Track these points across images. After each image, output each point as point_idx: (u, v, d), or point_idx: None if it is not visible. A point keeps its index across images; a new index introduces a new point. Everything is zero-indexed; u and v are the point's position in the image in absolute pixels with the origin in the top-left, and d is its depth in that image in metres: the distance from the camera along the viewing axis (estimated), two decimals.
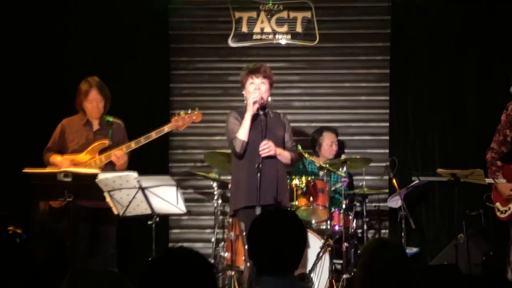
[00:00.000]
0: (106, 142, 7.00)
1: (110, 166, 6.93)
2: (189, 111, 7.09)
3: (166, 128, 7.03)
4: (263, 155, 6.37)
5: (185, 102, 8.57)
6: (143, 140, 6.96)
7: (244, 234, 6.34)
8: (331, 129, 8.53)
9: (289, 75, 8.90)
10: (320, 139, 8.43)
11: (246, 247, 6.40)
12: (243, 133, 6.47)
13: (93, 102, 7.06)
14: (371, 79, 8.93)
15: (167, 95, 8.91)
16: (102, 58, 8.51)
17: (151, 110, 8.69)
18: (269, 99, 6.70)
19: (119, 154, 6.89)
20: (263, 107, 6.55)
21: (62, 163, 6.91)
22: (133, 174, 6.25)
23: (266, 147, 6.40)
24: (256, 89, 6.54)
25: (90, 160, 6.95)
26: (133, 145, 6.97)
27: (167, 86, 8.94)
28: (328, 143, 8.39)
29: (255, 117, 6.52)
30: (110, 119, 7.17)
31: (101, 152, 6.97)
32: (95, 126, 7.15)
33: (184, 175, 8.79)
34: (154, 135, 6.98)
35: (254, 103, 6.47)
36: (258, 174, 6.21)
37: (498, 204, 6.57)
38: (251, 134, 6.50)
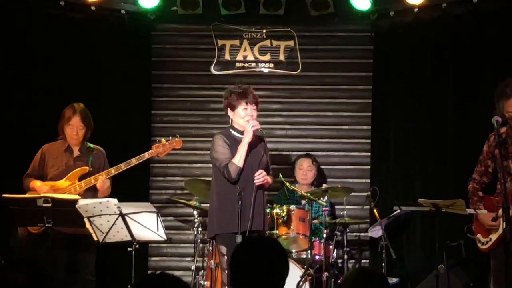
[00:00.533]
0: (86, 168, 6.97)
1: (90, 192, 6.90)
2: (170, 138, 7.10)
3: (146, 155, 7.04)
4: (257, 184, 6.39)
5: (166, 129, 8.54)
6: (123, 166, 6.95)
7: (226, 258, 6.28)
8: (308, 155, 8.50)
9: (271, 103, 8.87)
10: (295, 163, 8.42)
11: (226, 272, 6.35)
12: (240, 160, 6.42)
13: (74, 128, 7.05)
14: (353, 108, 8.94)
15: (148, 122, 8.87)
16: (84, 84, 8.45)
17: (133, 137, 8.63)
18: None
19: (100, 181, 6.85)
20: None
21: (41, 188, 6.86)
22: (114, 201, 6.21)
23: (262, 177, 6.42)
24: (248, 115, 6.52)
25: (70, 186, 6.91)
26: (113, 171, 6.95)
27: (148, 112, 8.90)
28: (300, 167, 8.36)
29: (250, 145, 6.51)
30: (91, 145, 7.14)
31: (81, 178, 6.93)
32: (76, 152, 7.13)
33: (164, 202, 8.74)
34: (134, 161, 6.97)
35: (255, 131, 6.47)
36: (240, 202, 6.22)
37: (479, 235, 6.55)
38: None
